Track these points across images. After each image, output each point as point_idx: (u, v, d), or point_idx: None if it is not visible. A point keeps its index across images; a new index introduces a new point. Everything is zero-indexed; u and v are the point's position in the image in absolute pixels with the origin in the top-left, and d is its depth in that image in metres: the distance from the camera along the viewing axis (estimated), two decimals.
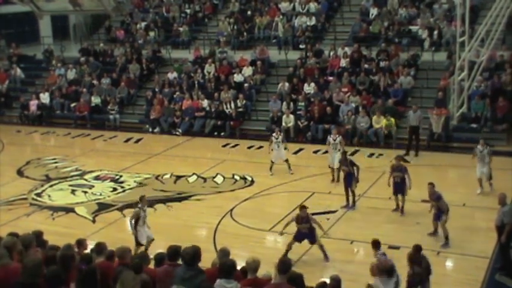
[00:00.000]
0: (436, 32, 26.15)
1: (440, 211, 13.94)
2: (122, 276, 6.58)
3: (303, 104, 24.35)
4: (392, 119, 22.54)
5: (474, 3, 25.25)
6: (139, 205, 13.71)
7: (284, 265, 7.53)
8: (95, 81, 28.72)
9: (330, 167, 18.55)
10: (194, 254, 7.70)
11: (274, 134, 19.75)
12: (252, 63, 27.47)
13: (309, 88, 25.00)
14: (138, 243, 13.52)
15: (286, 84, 25.47)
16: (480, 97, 22.62)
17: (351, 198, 16.32)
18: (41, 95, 28.67)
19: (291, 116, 23.78)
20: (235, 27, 29.94)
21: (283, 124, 23.65)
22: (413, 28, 27.14)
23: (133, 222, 13.57)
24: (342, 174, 16.86)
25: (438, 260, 13.45)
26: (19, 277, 6.50)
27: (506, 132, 22.07)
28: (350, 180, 16.25)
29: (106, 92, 28.02)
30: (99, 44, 31.77)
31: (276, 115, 24.11)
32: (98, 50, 31.22)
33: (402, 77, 24.22)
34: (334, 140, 18.39)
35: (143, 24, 32.10)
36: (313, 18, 28.94)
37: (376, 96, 23.79)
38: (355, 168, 16.26)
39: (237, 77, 26.78)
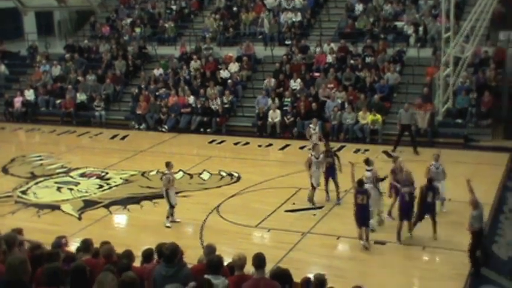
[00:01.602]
0: (421, 28, 26.26)
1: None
2: (99, 277, 6.53)
3: (289, 100, 24.38)
4: (379, 115, 22.63)
5: None
6: (167, 171, 15.16)
7: (259, 260, 7.55)
8: (80, 78, 28.58)
9: (312, 186, 16.46)
10: (173, 250, 7.62)
11: (311, 125, 19.81)
12: (238, 59, 27.46)
13: (295, 84, 25.04)
14: (172, 206, 15.19)
15: (273, 80, 25.49)
16: (465, 92, 22.79)
17: (333, 193, 16.42)
18: (26, 91, 28.47)
19: (278, 111, 23.81)
20: (221, 23, 29.87)
21: (270, 119, 23.69)
22: (399, 24, 27.21)
23: (166, 188, 15.10)
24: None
25: (424, 254, 13.55)
26: (3, 276, 6.45)
27: (491, 128, 22.25)
28: (333, 171, 16.33)
29: (91, 89, 27.88)
30: (84, 40, 31.59)
31: (262, 111, 24.11)
32: (83, 46, 31.04)
33: (389, 73, 24.31)
34: (317, 158, 16.28)
35: (129, 20, 31.94)
36: (299, 14, 28.95)
37: (362, 92, 23.87)
38: (336, 158, 16.45)
39: (223, 73, 26.76)
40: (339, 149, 20.87)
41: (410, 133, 21.14)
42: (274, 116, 23.74)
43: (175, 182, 15.64)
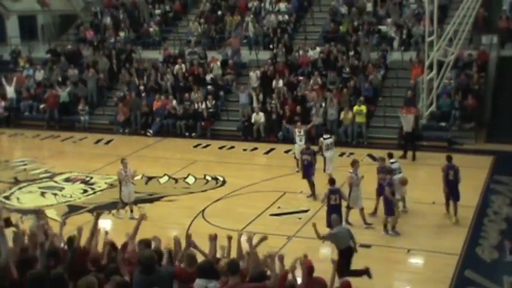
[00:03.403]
0: (405, 32, 26.41)
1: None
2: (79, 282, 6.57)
3: (275, 102, 24.19)
4: (363, 106, 22.62)
5: (442, 2, 25.56)
6: (121, 167, 15.90)
7: (233, 266, 7.53)
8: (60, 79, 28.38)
9: (349, 207, 15.21)
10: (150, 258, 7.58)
11: (296, 129, 19.77)
12: (224, 64, 27.37)
13: (280, 85, 24.91)
14: (122, 202, 16.02)
15: (256, 77, 25.54)
16: (448, 95, 22.95)
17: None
18: (7, 88, 28.15)
19: (261, 114, 23.81)
20: (205, 26, 29.84)
21: (253, 121, 23.68)
22: (383, 28, 27.33)
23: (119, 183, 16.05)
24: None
25: (408, 257, 13.62)
26: None
27: (474, 131, 22.40)
28: (309, 170, 16.93)
29: (74, 88, 27.63)
30: (68, 44, 31.33)
31: (246, 115, 24.07)
32: (66, 51, 30.68)
33: (373, 73, 24.39)
34: (357, 175, 15.25)
35: (112, 23, 31.70)
36: (286, 16, 29.03)
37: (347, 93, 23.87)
38: (314, 157, 17.16)
39: (208, 77, 26.69)
40: None
41: (412, 140, 21.14)
42: (258, 118, 23.73)
43: (129, 179, 16.03)
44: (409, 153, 20.63)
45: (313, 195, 16.91)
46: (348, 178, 15.17)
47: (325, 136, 18.44)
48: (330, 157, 18.09)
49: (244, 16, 29.52)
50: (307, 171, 17.06)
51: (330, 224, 13.87)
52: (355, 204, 15.02)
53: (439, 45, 22.67)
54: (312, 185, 16.96)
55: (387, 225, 14.52)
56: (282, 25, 28.61)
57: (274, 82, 25.08)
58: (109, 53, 29.17)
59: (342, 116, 22.89)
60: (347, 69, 24.80)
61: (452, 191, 15.09)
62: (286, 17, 29.03)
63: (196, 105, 25.11)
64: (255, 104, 24.48)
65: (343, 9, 28.69)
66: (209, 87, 26.04)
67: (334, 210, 13.81)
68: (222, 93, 26.15)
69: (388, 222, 14.49)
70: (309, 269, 8.92)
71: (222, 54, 28.08)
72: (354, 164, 15.42)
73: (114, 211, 16.26)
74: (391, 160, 15.94)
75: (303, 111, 23.40)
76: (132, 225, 10.02)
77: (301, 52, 26.66)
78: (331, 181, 14.12)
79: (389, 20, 27.36)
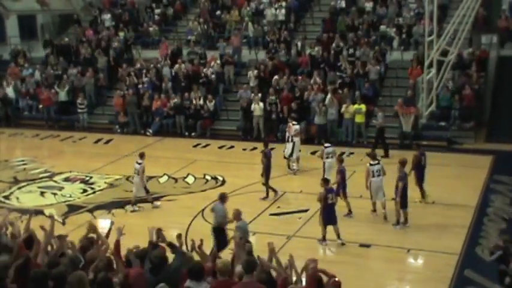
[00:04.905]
0: (404, 31, 26.39)
1: None
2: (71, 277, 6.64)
3: (274, 98, 24.11)
4: (363, 105, 22.61)
5: (442, 2, 25.56)
6: (140, 160, 16.52)
7: (249, 265, 7.54)
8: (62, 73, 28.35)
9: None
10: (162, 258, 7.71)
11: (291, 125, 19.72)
12: (222, 60, 27.35)
13: (281, 80, 24.81)
14: (148, 191, 16.84)
15: (256, 71, 25.62)
16: (447, 90, 22.95)
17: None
18: (7, 88, 28.15)
19: (261, 104, 23.78)
20: (205, 26, 29.83)
21: (252, 111, 23.75)
22: (383, 27, 27.30)
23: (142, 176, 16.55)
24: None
25: (408, 257, 13.62)
26: None
27: (474, 130, 22.41)
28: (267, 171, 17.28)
29: (73, 85, 27.57)
30: (61, 40, 31.30)
31: (245, 103, 24.00)
32: (63, 44, 30.65)
33: (371, 66, 24.38)
34: (372, 165, 15.49)
35: (113, 23, 31.69)
36: (283, 11, 29.04)
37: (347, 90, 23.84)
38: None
39: (208, 72, 26.63)
40: None
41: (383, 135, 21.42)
42: (258, 108, 23.66)
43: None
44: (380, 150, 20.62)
45: (266, 197, 17.17)
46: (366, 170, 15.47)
47: (326, 145, 17.91)
48: (329, 165, 17.22)
49: (241, 9, 29.43)
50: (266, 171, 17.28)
51: (327, 222, 13.88)
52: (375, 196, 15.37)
53: (439, 44, 22.66)
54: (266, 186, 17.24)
55: (399, 219, 14.80)
56: (281, 24, 28.65)
57: (273, 80, 25.05)
58: (108, 52, 29.16)
59: (342, 108, 22.81)
60: (346, 70, 24.78)
61: (423, 176, 16.16)
62: (283, 11, 29.00)
63: (195, 102, 25.03)
64: (253, 95, 24.39)
65: (342, 3, 28.63)
66: (212, 76, 26.03)
67: (331, 209, 13.90)
68: (221, 87, 26.10)
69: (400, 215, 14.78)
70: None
71: (220, 48, 28.01)
72: (370, 154, 16.26)
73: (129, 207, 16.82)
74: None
75: (300, 109, 23.27)
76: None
77: (299, 44, 26.61)
78: (326, 181, 14.22)
79: (388, 20, 27.32)
